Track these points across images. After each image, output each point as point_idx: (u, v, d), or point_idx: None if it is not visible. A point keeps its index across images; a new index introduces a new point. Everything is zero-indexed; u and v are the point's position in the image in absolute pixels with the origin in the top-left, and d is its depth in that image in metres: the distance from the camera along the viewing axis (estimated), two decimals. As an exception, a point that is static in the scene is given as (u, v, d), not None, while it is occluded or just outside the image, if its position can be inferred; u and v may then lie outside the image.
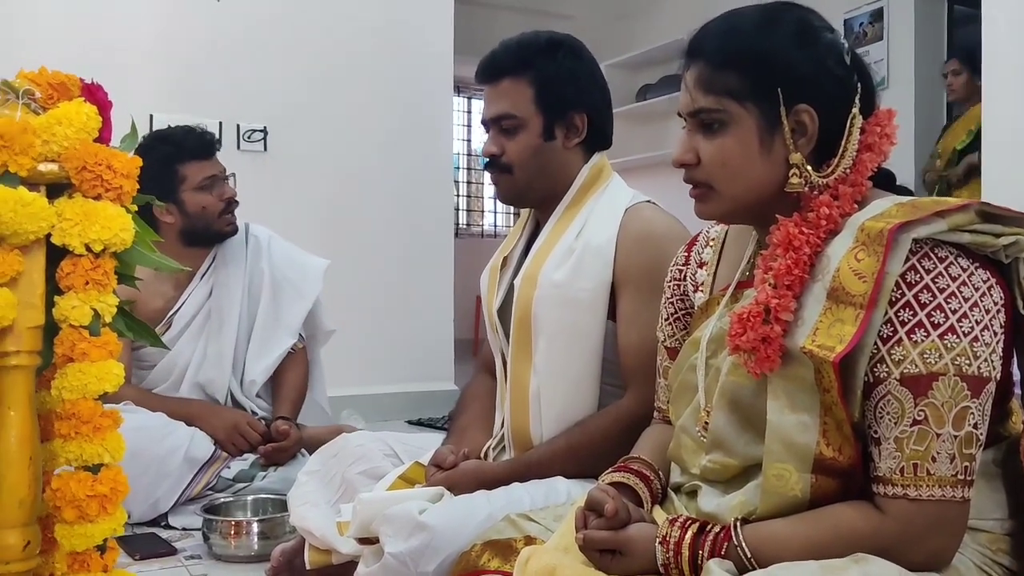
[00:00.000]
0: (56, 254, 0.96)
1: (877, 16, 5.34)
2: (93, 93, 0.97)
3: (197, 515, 2.12)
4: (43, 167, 0.94)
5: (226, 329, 2.48)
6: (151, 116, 3.47)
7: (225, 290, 2.51)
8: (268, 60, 3.74)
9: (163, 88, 3.55)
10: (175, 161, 2.39)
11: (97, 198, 0.93)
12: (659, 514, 1.18)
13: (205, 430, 2.31)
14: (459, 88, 6.94)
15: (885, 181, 1.12)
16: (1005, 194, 3.17)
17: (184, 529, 2.21)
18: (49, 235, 0.94)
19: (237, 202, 2.50)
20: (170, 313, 2.47)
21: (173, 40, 3.57)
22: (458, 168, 7.49)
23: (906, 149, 5.16)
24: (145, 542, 2.11)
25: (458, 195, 7.98)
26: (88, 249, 0.93)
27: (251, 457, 2.34)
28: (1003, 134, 3.21)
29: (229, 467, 2.31)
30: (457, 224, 7.88)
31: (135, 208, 0.96)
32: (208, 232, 2.44)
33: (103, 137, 0.97)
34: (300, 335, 2.64)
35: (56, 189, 0.97)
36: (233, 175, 2.52)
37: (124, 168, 0.92)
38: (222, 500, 2.21)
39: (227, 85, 3.67)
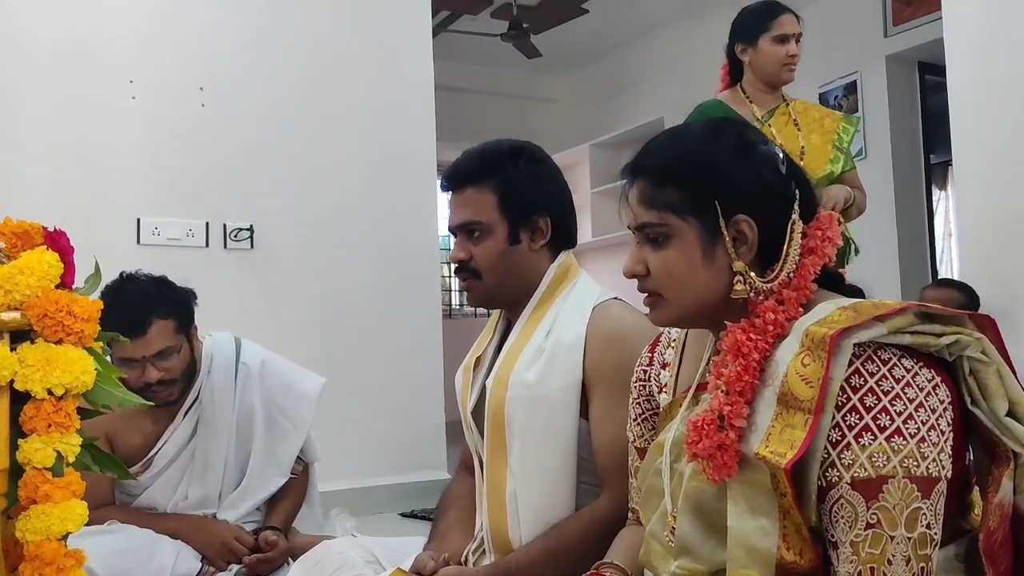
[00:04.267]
0: (19, 396, 0.98)
1: (851, 88, 5.47)
2: (55, 240, 1.01)
3: (182, 631, 2.09)
4: (5, 315, 0.97)
5: (210, 472, 2.33)
6: (138, 220, 3.53)
7: (211, 429, 2.33)
8: (253, 159, 3.81)
9: (149, 190, 3.60)
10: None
11: (59, 342, 0.96)
12: (632, 620, 1.18)
13: (193, 546, 2.26)
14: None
15: (832, 282, 1.15)
16: (978, 254, 3.23)
17: (172, 645, 2.18)
18: (12, 380, 0.97)
19: (167, 380, 2.16)
20: (151, 453, 2.29)
21: (158, 142, 3.63)
22: (447, 250, 7.55)
23: (888, 216, 5.24)
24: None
25: (450, 276, 8.04)
26: (50, 393, 0.96)
27: (235, 567, 2.31)
28: (974, 196, 3.27)
29: (214, 580, 2.28)
30: (450, 305, 7.93)
31: (99, 346, 0.99)
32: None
33: (65, 281, 1.01)
34: (300, 458, 2.50)
35: (18, 334, 1.00)
36: (172, 350, 2.16)
37: (84, 312, 0.95)
38: (208, 614, 2.18)
39: (213, 185, 3.73)
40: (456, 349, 4.45)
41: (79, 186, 3.44)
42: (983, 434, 1.03)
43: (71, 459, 0.98)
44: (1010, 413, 1.02)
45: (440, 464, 4.12)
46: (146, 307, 2.10)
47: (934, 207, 5.82)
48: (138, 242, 3.52)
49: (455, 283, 8.12)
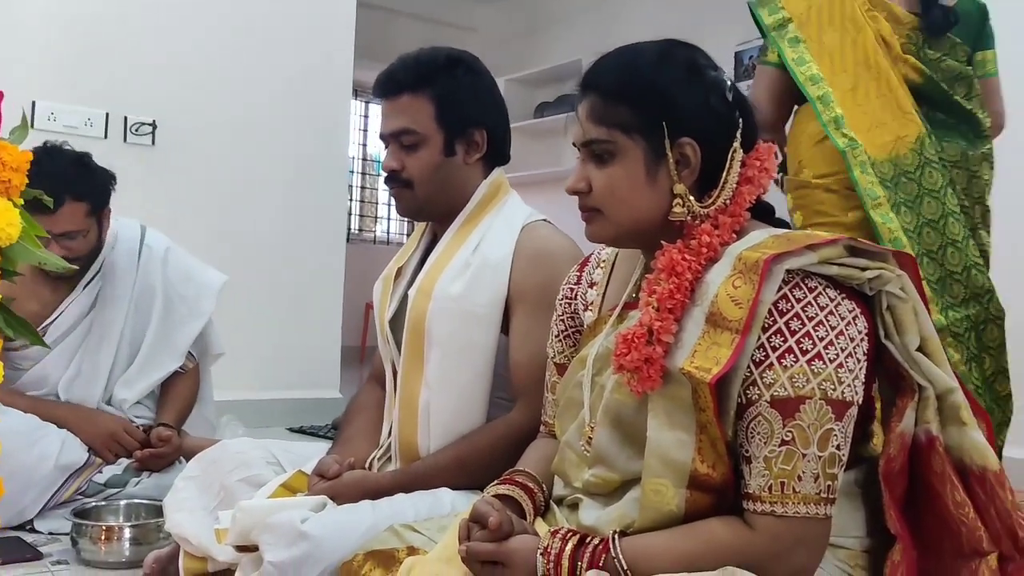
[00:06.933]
0: (-67, 247, 0.92)
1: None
2: (-19, 83, 0.94)
3: (66, 519, 2.03)
4: (-76, 157, 0.90)
5: (105, 346, 2.34)
6: (33, 103, 3.35)
7: (110, 304, 2.35)
8: (161, 52, 3.63)
9: (47, 74, 3.41)
10: None
11: (-18, 191, 0.90)
12: (541, 526, 1.20)
13: (80, 436, 2.20)
14: (356, 92, 6.89)
15: (764, 214, 1.18)
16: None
17: (51, 534, 2.12)
18: (-73, 228, 0.90)
19: (69, 259, 2.08)
20: (46, 321, 2.29)
21: (59, 23, 3.43)
22: (352, 173, 7.43)
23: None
24: (8, 546, 2.01)
25: (351, 200, 7.92)
26: (-31, 244, 0.90)
27: (125, 462, 2.26)
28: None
29: (101, 472, 2.22)
30: (349, 229, 7.82)
31: (22, 202, 0.93)
32: None
33: (-10, 128, 0.94)
34: (191, 354, 2.52)
35: (-63, 180, 0.93)
36: (79, 234, 2.20)
37: (14, 161, 0.89)
38: (93, 504, 2.13)
39: (115, 75, 3.55)
40: (352, 274, 4.41)
41: (-32, 59, 3.21)
42: (891, 367, 1.08)
43: (-13, 316, 0.93)
44: (920, 349, 1.07)
45: (333, 384, 4.10)
46: (62, 186, 2.08)
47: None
48: (32, 126, 3.30)
49: (356, 207, 8.00)
